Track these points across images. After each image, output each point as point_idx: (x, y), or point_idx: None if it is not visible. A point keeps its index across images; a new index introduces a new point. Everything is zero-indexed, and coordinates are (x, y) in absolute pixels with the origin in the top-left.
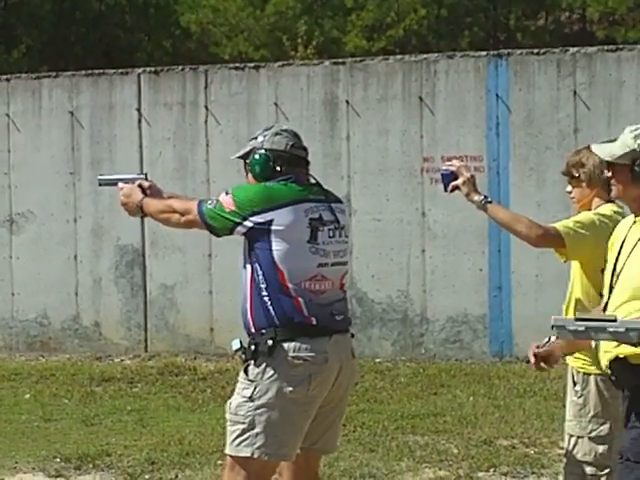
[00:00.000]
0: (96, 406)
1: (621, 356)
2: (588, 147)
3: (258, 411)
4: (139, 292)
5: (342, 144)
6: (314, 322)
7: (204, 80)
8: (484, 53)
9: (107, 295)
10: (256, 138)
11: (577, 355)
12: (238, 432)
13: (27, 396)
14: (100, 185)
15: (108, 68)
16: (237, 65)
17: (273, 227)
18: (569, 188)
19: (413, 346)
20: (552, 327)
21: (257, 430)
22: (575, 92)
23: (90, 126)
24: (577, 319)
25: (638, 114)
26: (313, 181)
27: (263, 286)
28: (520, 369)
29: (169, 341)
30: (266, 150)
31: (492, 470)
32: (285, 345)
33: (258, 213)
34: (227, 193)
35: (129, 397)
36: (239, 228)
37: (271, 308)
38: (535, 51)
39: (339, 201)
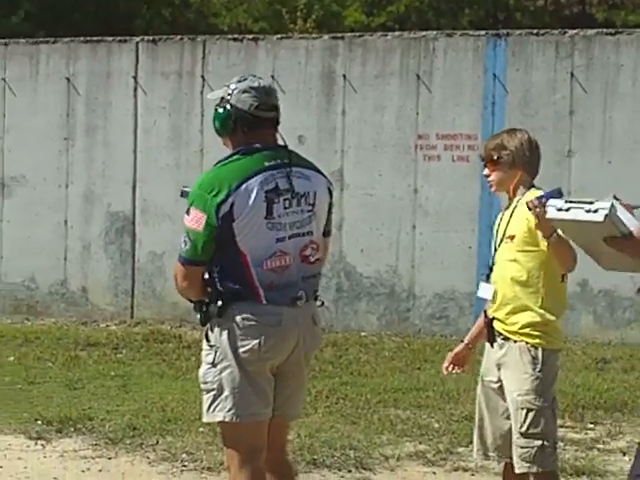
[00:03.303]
0: (80, 370)
1: None
2: (508, 131)
3: (223, 374)
4: (128, 259)
5: (337, 118)
6: (265, 303)
7: (202, 50)
8: (483, 32)
9: (96, 261)
10: (228, 86)
11: (531, 332)
12: (211, 399)
13: (11, 359)
14: (182, 196)
15: (106, 36)
16: (235, 36)
17: (235, 211)
18: (486, 172)
19: (399, 321)
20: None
21: (226, 393)
22: (572, 74)
23: (86, 93)
24: (567, 201)
25: (635, 98)
26: (281, 143)
27: (216, 269)
28: None
29: (155, 308)
30: (230, 106)
31: (472, 445)
32: (235, 306)
33: (223, 202)
34: (187, 212)
35: (113, 362)
36: (218, 226)
37: (222, 288)
38: (534, 32)
39: (304, 165)
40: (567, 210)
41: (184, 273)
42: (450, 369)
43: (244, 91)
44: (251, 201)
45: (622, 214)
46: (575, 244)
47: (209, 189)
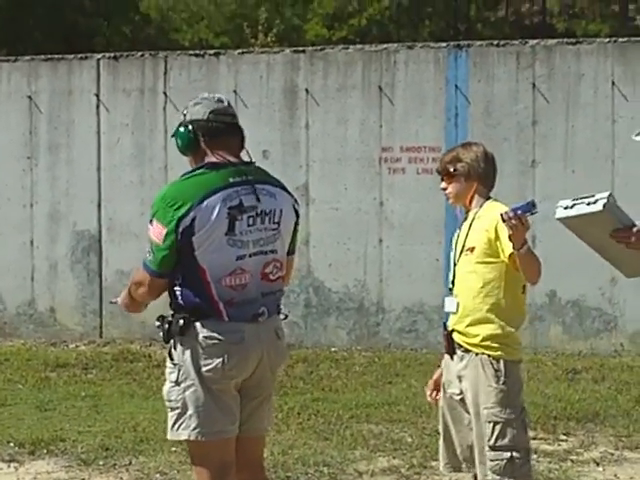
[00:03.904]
0: (50, 392)
1: None
2: (463, 145)
3: (187, 393)
4: (95, 278)
5: (301, 132)
6: (227, 320)
7: (163, 66)
8: (444, 44)
9: (63, 281)
10: (184, 114)
11: (492, 344)
12: (175, 417)
13: None
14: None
15: (67, 53)
16: (197, 52)
17: (196, 225)
18: (443, 185)
19: (369, 335)
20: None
21: (190, 412)
22: (534, 84)
23: (48, 111)
24: (573, 199)
25: (596, 107)
26: (245, 157)
27: (177, 282)
28: None
29: (124, 327)
30: (188, 122)
31: None
32: (197, 324)
33: (184, 216)
34: (150, 222)
35: (83, 383)
36: (178, 240)
37: (182, 303)
38: (495, 43)
39: (271, 183)
40: (572, 207)
41: (149, 283)
42: (434, 396)
43: (196, 103)
44: (213, 217)
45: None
46: (592, 249)
47: (172, 202)
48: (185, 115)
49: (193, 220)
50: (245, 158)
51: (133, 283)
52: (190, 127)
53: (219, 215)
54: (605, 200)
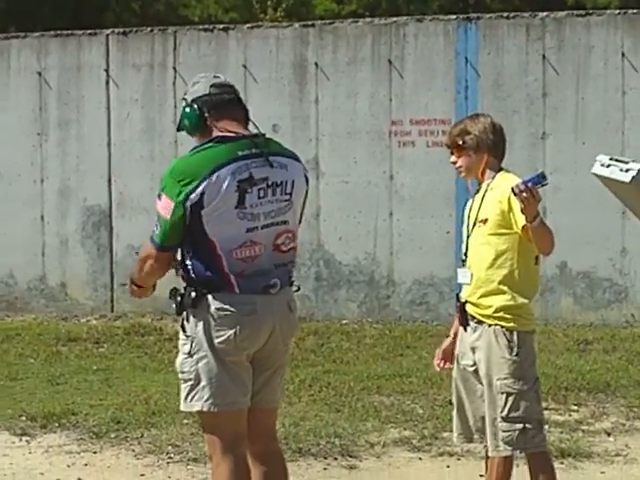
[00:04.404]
0: (62, 366)
1: None
2: (470, 117)
3: (199, 364)
4: (105, 253)
5: (311, 107)
6: (238, 292)
7: (173, 42)
8: (453, 17)
9: (74, 256)
10: (184, 98)
11: (505, 315)
12: (188, 388)
13: None
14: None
15: (76, 29)
16: (206, 27)
17: (205, 199)
18: (453, 158)
19: (379, 308)
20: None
21: (203, 383)
22: (544, 56)
23: (58, 87)
24: (610, 158)
25: (606, 79)
26: (253, 129)
27: (188, 255)
28: None
29: (135, 302)
30: (191, 102)
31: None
32: (209, 297)
33: (192, 191)
34: (159, 197)
35: (95, 357)
36: (187, 214)
37: (194, 276)
38: (504, 15)
39: (282, 154)
40: (607, 167)
41: (156, 256)
42: (442, 365)
43: (194, 83)
44: (222, 191)
45: None
46: (626, 208)
47: (180, 177)
48: (186, 98)
49: (202, 194)
50: (254, 131)
51: (141, 258)
52: (195, 105)
53: (228, 188)
54: (635, 173)
